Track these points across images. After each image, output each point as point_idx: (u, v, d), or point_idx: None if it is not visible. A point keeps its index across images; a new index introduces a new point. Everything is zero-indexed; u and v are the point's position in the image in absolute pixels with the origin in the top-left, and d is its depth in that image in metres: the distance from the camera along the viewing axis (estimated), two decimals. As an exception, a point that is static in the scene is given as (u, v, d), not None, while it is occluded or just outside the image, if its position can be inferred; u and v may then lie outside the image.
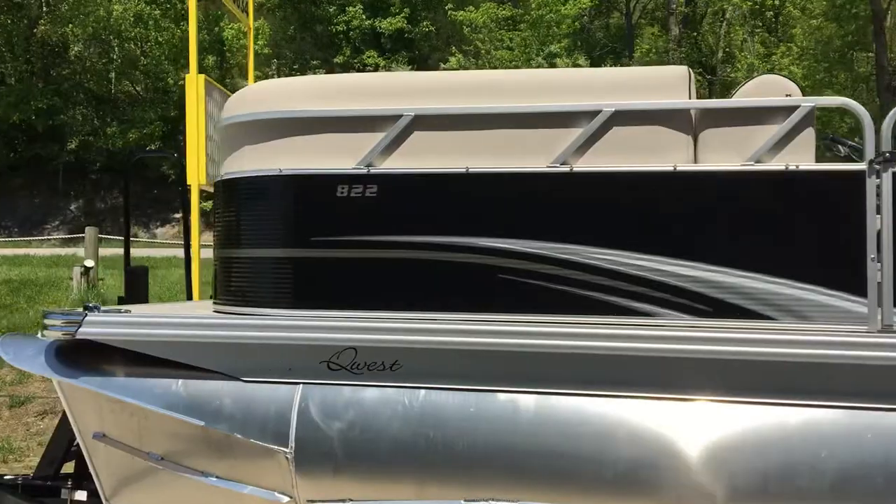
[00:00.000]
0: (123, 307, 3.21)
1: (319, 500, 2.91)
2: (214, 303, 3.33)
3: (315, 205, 2.94)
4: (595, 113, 2.74)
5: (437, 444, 2.79)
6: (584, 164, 2.74)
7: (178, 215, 25.96)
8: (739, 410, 2.61)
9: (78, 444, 4.29)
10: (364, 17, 26.90)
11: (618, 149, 2.74)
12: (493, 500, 2.75)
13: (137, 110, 25.76)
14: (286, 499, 2.92)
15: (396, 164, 2.88)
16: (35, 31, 26.29)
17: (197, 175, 10.37)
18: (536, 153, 2.78)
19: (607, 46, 30.50)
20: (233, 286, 3.16)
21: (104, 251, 14.25)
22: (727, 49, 29.93)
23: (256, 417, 2.92)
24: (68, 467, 4.16)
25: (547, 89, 2.82)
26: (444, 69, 26.34)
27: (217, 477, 3.00)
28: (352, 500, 2.87)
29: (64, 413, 4.22)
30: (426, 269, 2.85)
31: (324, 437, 2.86)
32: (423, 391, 2.84)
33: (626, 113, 2.73)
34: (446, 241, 2.83)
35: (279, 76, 25.18)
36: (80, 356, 3.16)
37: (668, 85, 2.76)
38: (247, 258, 3.09)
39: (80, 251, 17.43)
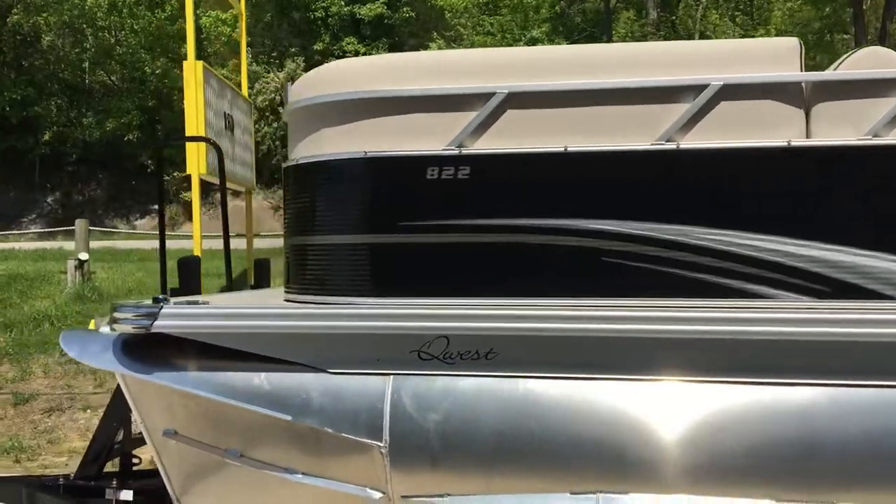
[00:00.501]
0: (200, 298, 3.06)
1: (414, 495, 2.79)
2: (287, 291, 3.20)
3: (404, 188, 2.81)
4: (702, 87, 2.63)
5: (541, 436, 2.68)
6: (690, 141, 2.64)
7: (157, 207, 25.59)
8: (862, 394, 2.53)
9: (122, 442, 4.16)
10: (343, 3, 26.58)
11: (726, 124, 2.64)
12: (600, 491, 2.66)
13: (114, 100, 25.27)
14: (378, 494, 2.81)
15: (489, 144, 2.76)
16: (7, 20, 25.67)
17: (197, 164, 10.18)
18: (639, 130, 2.68)
19: (585, 31, 30.43)
20: (311, 274, 3.03)
21: (93, 244, 13.93)
22: (704, 32, 29.99)
23: (346, 410, 2.79)
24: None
25: (649, 63, 2.70)
26: (426, 55, 26.13)
27: (303, 473, 2.88)
28: (450, 495, 2.77)
29: (108, 410, 4.08)
30: (522, 253, 2.74)
31: (420, 430, 2.74)
32: (521, 380, 2.73)
33: (736, 87, 2.62)
34: (544, 223, 2.72)
35: (257, 65, 24.82)
36: (151, 350, 3.01)
37: (779, 57, 2.66)
38: (327, 245, 2.95)
39: (63, 244, 17.10)
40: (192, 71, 9.96)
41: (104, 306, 10.55)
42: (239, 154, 11.72)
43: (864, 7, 23.98)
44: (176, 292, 4.25)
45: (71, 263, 10.97)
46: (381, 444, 2.75)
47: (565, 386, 2.70)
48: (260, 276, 4.47)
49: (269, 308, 2.90)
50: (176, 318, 2.88)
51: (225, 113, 11.11)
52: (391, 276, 2.85)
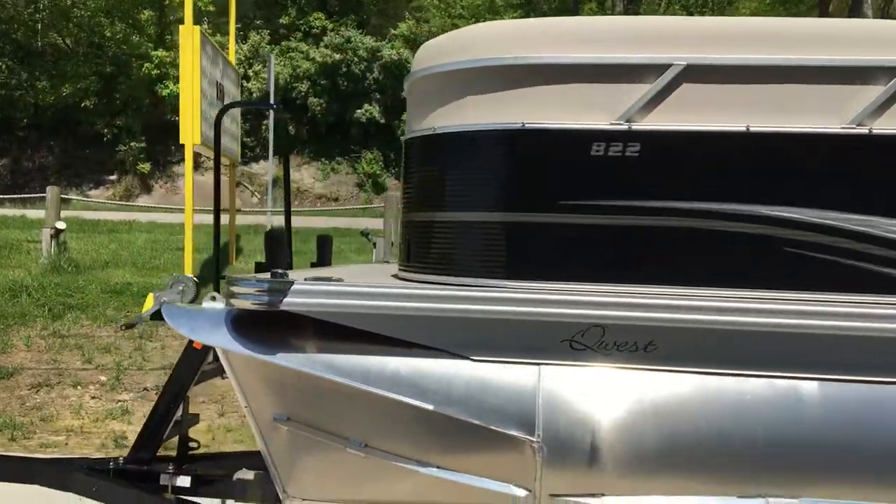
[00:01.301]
0: (334, 276, 2.81)
1: (565, 494, 2.60)
2: (407, 270, 2.97)
3: (565, 164, 2.60)
4: None
5: (706, 435, 2.51)
6: (884, 126, 2.48)
7: (112, 177, 24.80)
8: None
9: (179, 422, 3.87)
10: (310, -23, 26.03)
11: None
12: (770, 496, 2.50)
13: (70, 64, 24.33)
14: (523, 492, 2.61)
15: (660, 120, 2.57)
16: (-45, -25, 24.53)
17: (191, 134, 9.75)
18: (826, 111, 2.51)
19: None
20: (447, 254, 2.80)
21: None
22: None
23: (494, 401, 2.58)
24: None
25: (839, 40, 2.53)
26: (395, 34, 25.80)
27: (437, 467, 2.66)
28: (604, 495, 2.58)
29: (165, 388, 3.79)
30: (692, 239, 2.56)
31: (577, 426, 2.55)
32: (686, 376, 2.56)
33: None
34: (717, 208, 2.54)
35: (221, 35, 24.13)
36: (267, 329, 2.76)
37: None
38: (469, 223, 2.73)
39: (25, 212, 16.40)
40: (190, 36, 9.55)
41: (84, 278, 10.09)
42: (228, 126, 11.29)
43: (829, 9, 24.36)
44: (260, 267, 4.01)
45: (46, 232, 10.48)
46: (534, 439, 2.55)
47: (735, 382, 2.53)
48: (322, 254, 4.21)
49: (411, 289, 2.67)
50: (307, 295, 2.63)
51: (217, 82, 10.68)
52: (543, 258, 2.64)
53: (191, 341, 3.73)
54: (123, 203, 22.14)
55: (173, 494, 3.75)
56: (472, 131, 2.69)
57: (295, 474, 2.87)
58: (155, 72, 23.61)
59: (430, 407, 2.58)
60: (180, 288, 3.76)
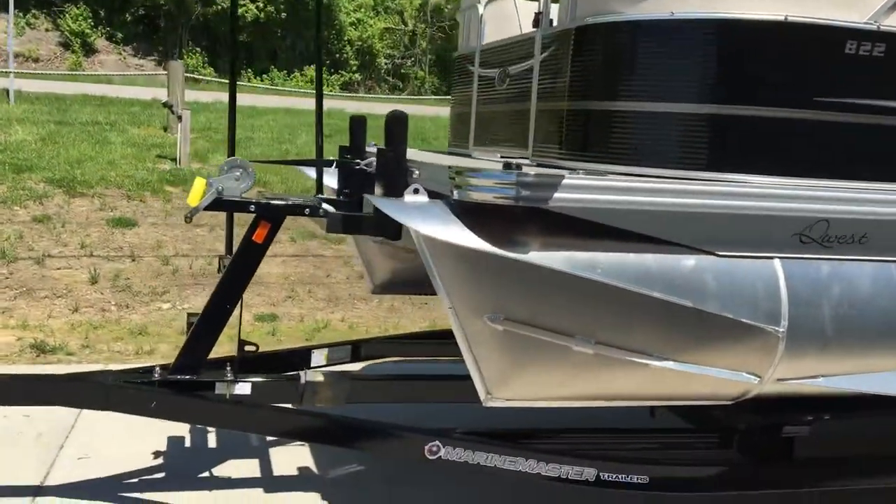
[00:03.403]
0: (563, 170, 2.63)
1: (790, 378, 2.75)
2: (563, 157, 2.87)
3: (820, 61, 2.62)
4: None
5: None
6: None
7: None
8: None
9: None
10: None
11: None
12: None
13: None
14: (754, 379, 2.71)
15: None
16: None
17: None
18: None
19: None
20: (657, 144, 2.73)
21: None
22: None
23: (742, 295, 2.63)
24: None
25: None
26: None
27: (674, 360, 2.67)
28: (824, 376, 2.77)
29: (218, 289, 3.33)
30: None
31: (814, 315, 2.69)
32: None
33: None
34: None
35: None
36: (501, 224, 2.53)
37: None
38: (692, 114, 2.68)
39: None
40: None
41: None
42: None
43: None
44: (346, 150, 3.60)
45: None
46: (779, 329, 2.64)
47: None
48: (356, 137, 3.84)
49: (658, 184, 2.58)
50: (551, 189, 2.44)
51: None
52: (784, 153, 2.68)
53: (249, 235, 3.30)
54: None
55: (233, 404, 3.35)
56: (709, 20, 2.63)
57: (504, 375, 2.71)
58: None
59: (687, 303, 2.57)
60: (237, 174, 3.29)
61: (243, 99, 15.39)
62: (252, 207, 3.26)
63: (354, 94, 23.16)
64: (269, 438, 4.18)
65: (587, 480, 2.91)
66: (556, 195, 2.44)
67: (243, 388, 3.38)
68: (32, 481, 3.60)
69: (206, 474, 3.81)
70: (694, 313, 2.57)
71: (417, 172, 2.95)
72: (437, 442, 2.96)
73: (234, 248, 3.40)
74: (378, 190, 3.16)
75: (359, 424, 3.10)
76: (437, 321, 6.84)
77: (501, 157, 3.51)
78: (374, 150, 3.60)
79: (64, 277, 6.81)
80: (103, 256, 7.22)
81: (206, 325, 3.35)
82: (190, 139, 9.71)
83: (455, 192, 2.51)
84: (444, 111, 15.93)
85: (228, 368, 3.41)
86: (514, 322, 2.61)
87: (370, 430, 3.09)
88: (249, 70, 25.69)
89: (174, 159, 9.69)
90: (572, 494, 3.12)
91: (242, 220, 3.38)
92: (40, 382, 3.23)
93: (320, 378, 3.52)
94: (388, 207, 2.57)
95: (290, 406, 3.42)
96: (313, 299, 7.04)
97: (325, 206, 3.33)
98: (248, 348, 3.48)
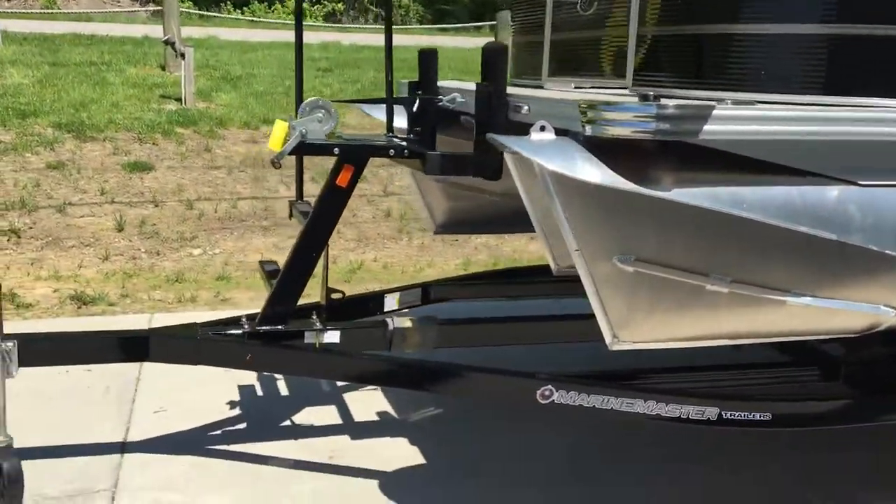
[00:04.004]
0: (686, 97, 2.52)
1: None
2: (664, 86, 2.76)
3: None
4: None
5: None
6: None
7: None
8: None
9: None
10: None
11: None
12: None
13: None
14: (890, 312, 2.66)
15: None
16: None
17: None
18: None
19: None
20: (783, 68, 2.62)
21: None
22: None
23: (883, 226, 2.55)
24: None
25: None
26: None
27: (811, 295, 2.60)
28: None
29: (303, 235, 3.21)
30: None
31: None
32: None
33: None
34: None
35: None
36: (641, 160, 2.43)
37: None
38: (832, 36, 2.56)
39: None
40: None
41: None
42: None
43: None
44: (417, 86, 3.43)
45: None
46: None
47: None
48: (428, 71, 3.67)
49: (811, 112, 2.47)
50: (698, 121, 2.33)
51: None
52: None
53: (333, 179, 3.18)
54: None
55: (323, 353, 3.27)
56: None
57: (632, 318, 2.64)
58: None
59: (831, 236, 2.49)
60: (319, 115, 3.15)
61: (230, 34, 15.05)
62: (336, 150, 3.13)
63: (338, 25, 22.62)
64: (339, 384, 4.13)
65: (709, 420, 2.88)
66: (706, 127, 2.32)
67: (332, 336, 3.29)
68: (115, 437, 3.53)
69: (286, 423, 3.76)
70: (837, 246, 2.50)
71: (526, 108, 2.82)
72: (550, 386, 2.90)
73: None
74: (475, 128, 3.03)
75: (469, 371, 3.03)
76: (470, 258, 6.77)
77: (576, 87, 3.40)
78: (445, 84, 3.47)
79: (89, 226, 6.65)
80: (125, 202, 7.04)
81: (292, 273, 3.25)
82: (193, 78, 9.43)
83: (588, 128, 2.39)
84: (438, 40, 15.62)
85: (314, 317, 3.31)
86: (645, 263, 2.52)
87: (481, 376, 3.02)
88: (228, 2, 25.02)
89: (178, 99, 9.42)
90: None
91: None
92: (131, 339, 3.12)
93: (408, 323, 3.44)
94: (518, 145, 2.44)
95: (381, 352, 3.34)
96: (343, 240, 6.93)
97: (414, 146, 3.20)
98: (334, 296, 3.39)
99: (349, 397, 4.02)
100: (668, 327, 2.67)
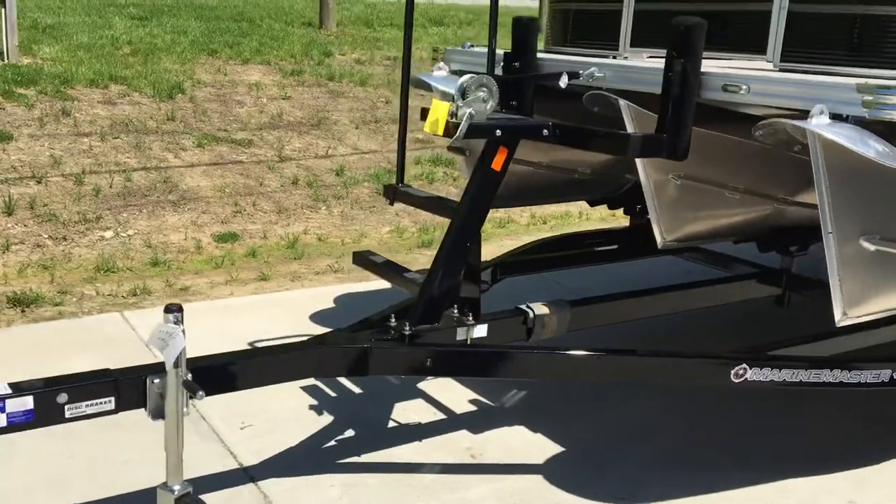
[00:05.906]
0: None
1: None
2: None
3: None
4: None
5: None
6: None
7: None
8: None
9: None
10: None
11: None
12: None
13: None
14: None
15: None
16: None
17: None
18: None
19: None
20: None
21: None
22: None
23: None
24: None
25: None
26: None
27: None
28: None
29: (455, 223, 2.99)
30: None
31: None
32: None
33: None
34: None
35: None
36: None
37: None
38: None
39: None
40: None
41: None
42: None
43: None
44: (513, 58, 3.24)
45: None
46: None
47: None
48: (525, 41, 3.49)
49: None
50: None
51: None
52: None
53: (488, 163, 2.98)
54: None
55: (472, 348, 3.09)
56: None
57: (865, 295, 2.74)
58: None
59: None
60: (482, 94, 2.95)
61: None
62: (498, 132, 2.91)
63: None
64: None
65: (883, 382, 3.06)
66: None
67: (481, 331, 3.11)
68: (229, 464, 3.10)
69: (392, 424, 3.49)
70: None
71: (745, 87, 2.76)
72: (745, 364, 2.94)
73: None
74: (669, 106, 2.91)
75: (656, 360, 2.99)
76: (398, 225, 6.56)
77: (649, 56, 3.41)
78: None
79: (-32, 211, 5.63)
80: (0, 180, 6.02)
81: (446, 267, 3.00)
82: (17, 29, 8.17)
83: (868, 112, 2.42)
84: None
85: (456, 311, 3.09)
86: (889, 241, 2.63)
87: (673, 362, 2.99)
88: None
89: (-2, 53, 8.15)
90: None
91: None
92: (312, 352, 2.72)
93: (546, 310, 3.32)
94: (819, 128, 2.41)
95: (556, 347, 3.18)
96: (261, 212, 6.43)
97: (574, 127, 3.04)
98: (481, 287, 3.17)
99: (433, 389, 3.80)
100: (891, 300, 2.81)
